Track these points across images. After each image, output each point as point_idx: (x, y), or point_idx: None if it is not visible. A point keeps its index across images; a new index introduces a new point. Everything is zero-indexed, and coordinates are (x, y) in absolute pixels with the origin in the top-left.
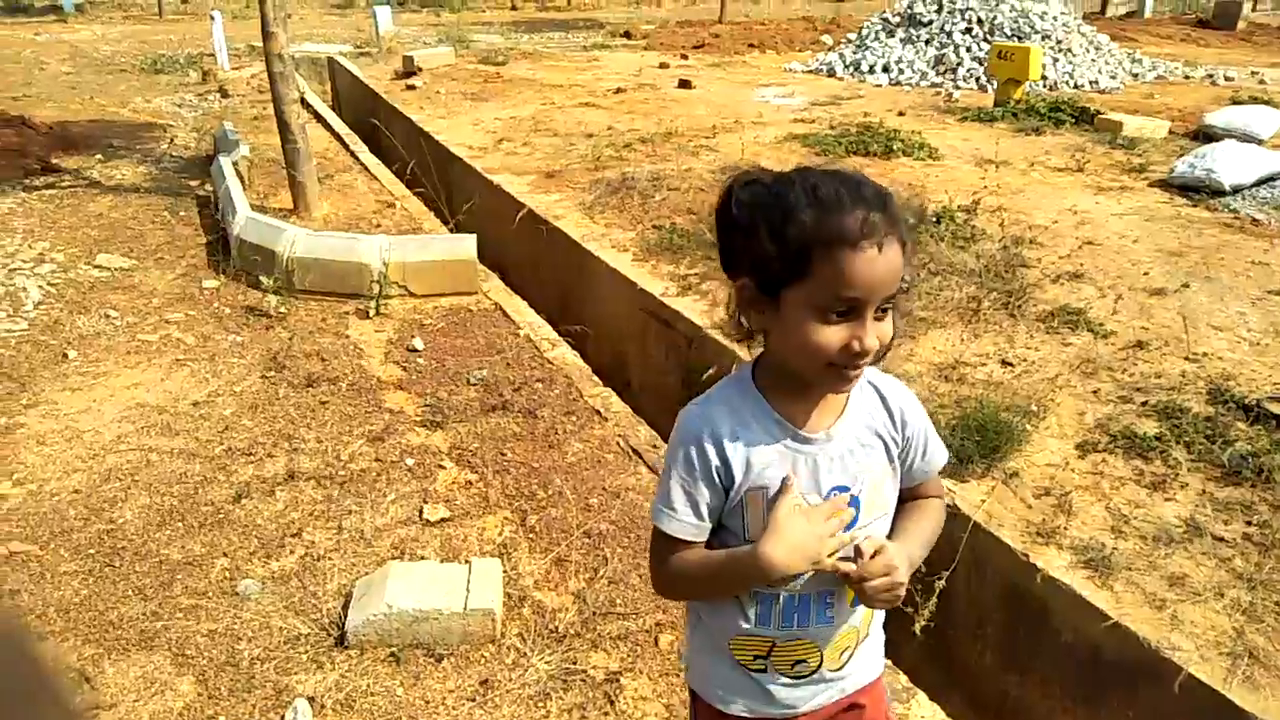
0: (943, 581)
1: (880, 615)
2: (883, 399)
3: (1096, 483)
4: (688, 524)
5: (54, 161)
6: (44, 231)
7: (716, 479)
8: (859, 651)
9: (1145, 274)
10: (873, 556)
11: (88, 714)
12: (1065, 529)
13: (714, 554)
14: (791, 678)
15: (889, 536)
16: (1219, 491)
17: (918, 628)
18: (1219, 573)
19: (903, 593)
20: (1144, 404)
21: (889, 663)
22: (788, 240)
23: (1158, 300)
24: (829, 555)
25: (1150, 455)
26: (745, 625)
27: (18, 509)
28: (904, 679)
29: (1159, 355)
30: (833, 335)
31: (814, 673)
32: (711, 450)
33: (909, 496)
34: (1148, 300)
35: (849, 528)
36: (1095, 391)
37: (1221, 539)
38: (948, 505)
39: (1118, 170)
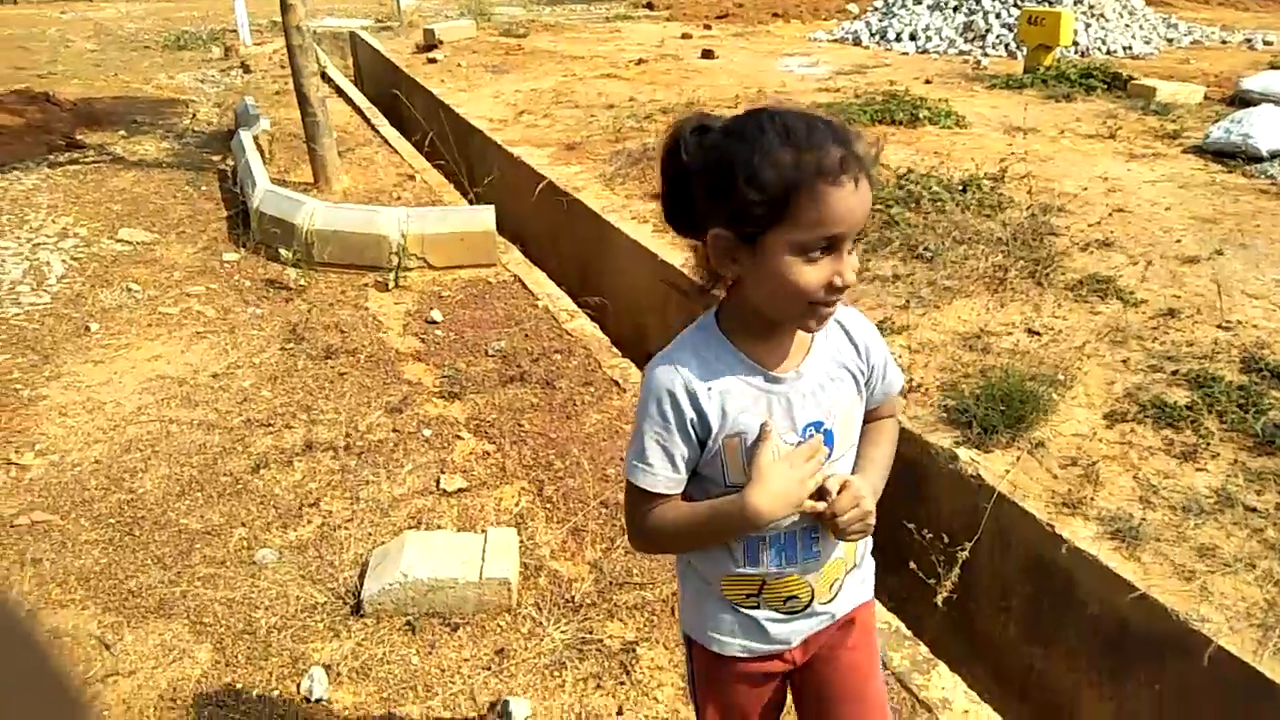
0: (965, 553)
1: (868, 543)
2: (846, 332)
3: (1125, 453)
4: (664, 477)
5: (78, 138)
6: (67, 207)
7: (692, 431)
8: (848, 581)
9: (1178, 241)
10: (840, 492)
11: (91, 691)
12: (1092, 499)
13: (697, 507)
14: (784, 613)
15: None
16: (1251, 461)
17: (940, 599)
18: (1250, 543)
19: (872, 521)
20: (1175, 373)
21: (909, 634)
22: (767, 183)
23: (1190, 268)
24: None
25: (1180, 425)
26: (734, 567)
27: (40, 479)
28: (924, 650)
29: (1191, 323)
30: (815, 273)
31: (806, 607)
32: (685, 402)
33: (868, 419)
34: (1180, 268)
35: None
36: (1124, 360)
37: (1253, 509)
38: (972, 476)
39: (1150, 137)
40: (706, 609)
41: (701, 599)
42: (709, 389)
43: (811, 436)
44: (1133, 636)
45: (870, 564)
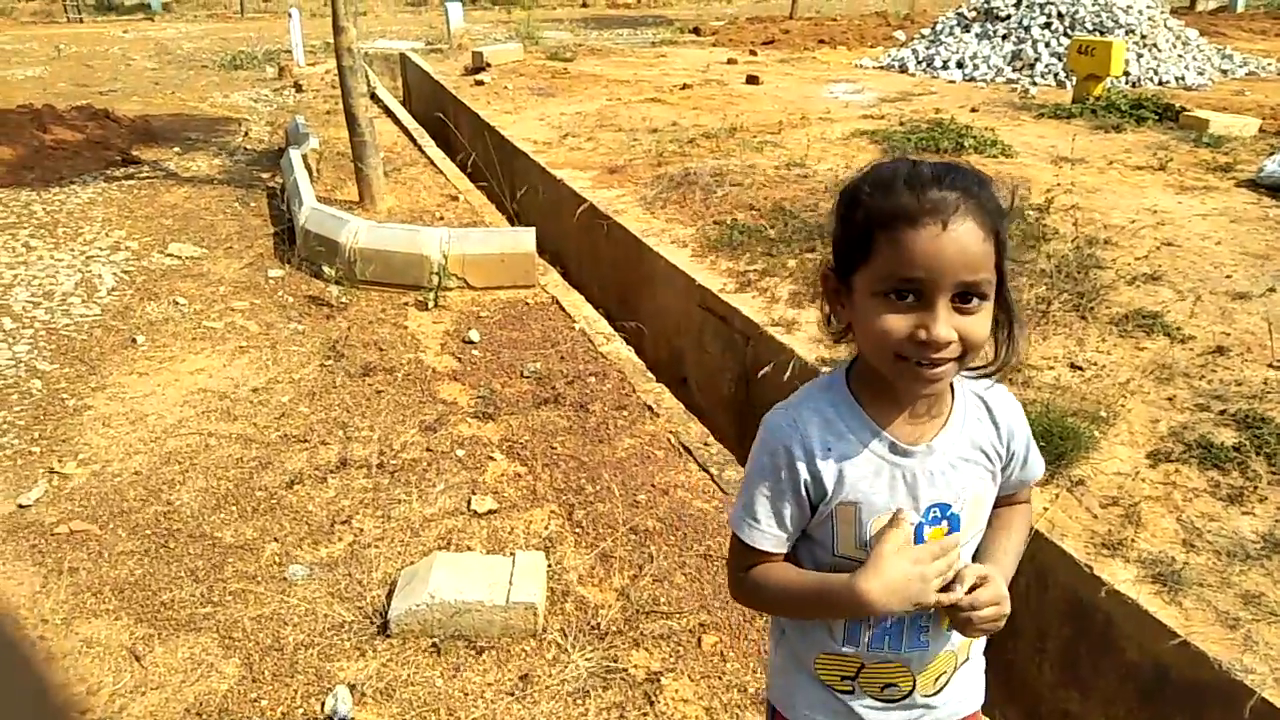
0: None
1: (981, 641)
2: (990, 412)
3: (1168, 494)
4: (770, 535)
5: (134, 153)
6: (121, 220)
7: (804, 492)
8: (956, 676)
9: (1228, 277)
10: (975, 587)
11: (119, 703)
12: (1133, 541)
13: (805, 576)
14: (881, 701)
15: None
16: None
17: None
18: None
19: (1005, 618)
20: (1222, 412)
21: None
22: (853, 220)
23: (1241, 304)
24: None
25: (1227, 466)
26: (831, 644)
27: (81, 488)
28: None
29: (1240, 362)
30: (897, 322)
31: (905, 697)
32: (801, 462)
33: (1000, 504)
34: (1230, 304)
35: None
36: (1170, 398)
37: None
38: None
39: (1202, 169)
40: (798, 686)
41: (793, 672)
42: (829, 450)
43: (935, 519)
44: (1173, 684)
45: (981, 662)
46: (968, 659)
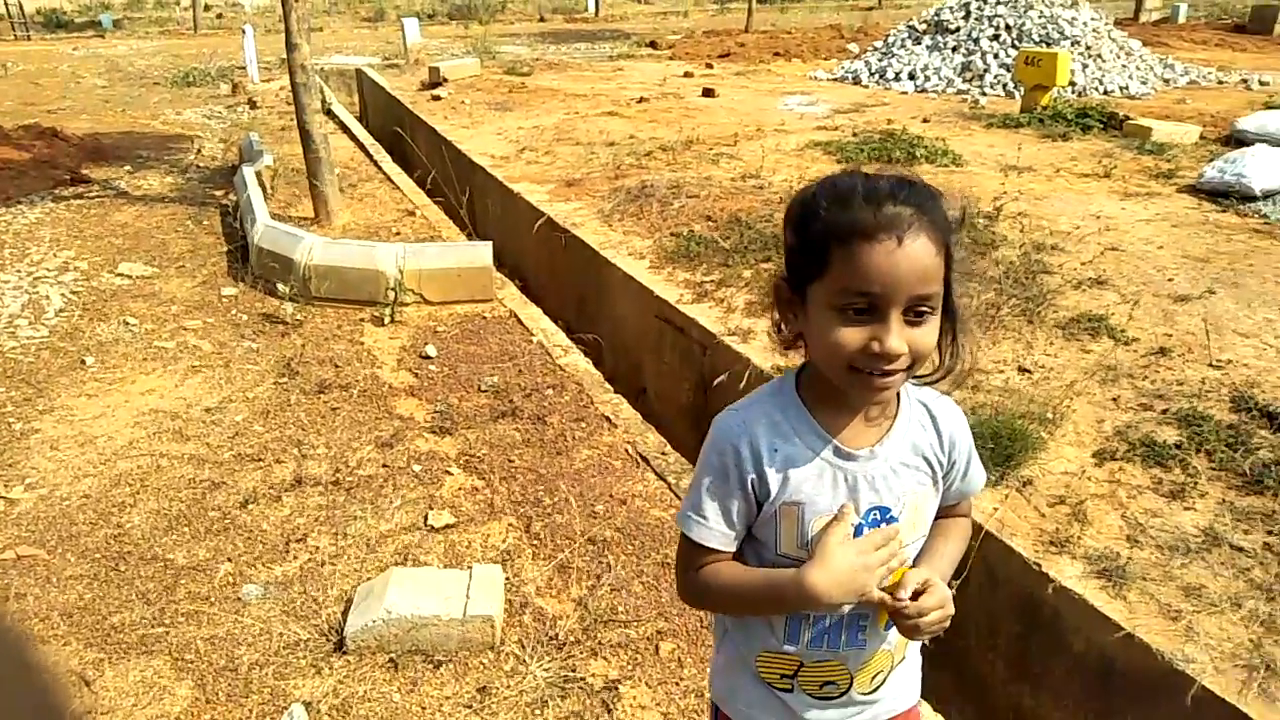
0: (953, 590)
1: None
2: (934, 419)
3: (1113, 491)
4: (718, 532)
5: (83, 172)
6: (69, 240)
7: (750, 490)
8: (893, 675)
9: (1170, 280)
10: (919, 593)
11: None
12: (1079, 538)
13: (752, 572)
14: (819, 699)
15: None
16: (1239, 500)
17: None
18: (1237, 583)
19: (948, 623)
20: (1165, 411)
21: None
22: (809, 234)
23: (1182, 307)
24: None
25: (1169, 464)
26: (773, 642)
27: (28, 513)
28: None
29: (1182, 362)
30: (852, 335)
31: (843, 695)
32: (748, 461)
33: (941, 514)
34: (1172, 306)
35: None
36: (1115, 399)
37: (1240, 549)
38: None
39: (1145, 176)
40: (739, 682)
41: (735, 672)
42: (775, 451)
43: (874, 522)
44: (1119, 675)
45: (918, 660)
46: (904, 659)
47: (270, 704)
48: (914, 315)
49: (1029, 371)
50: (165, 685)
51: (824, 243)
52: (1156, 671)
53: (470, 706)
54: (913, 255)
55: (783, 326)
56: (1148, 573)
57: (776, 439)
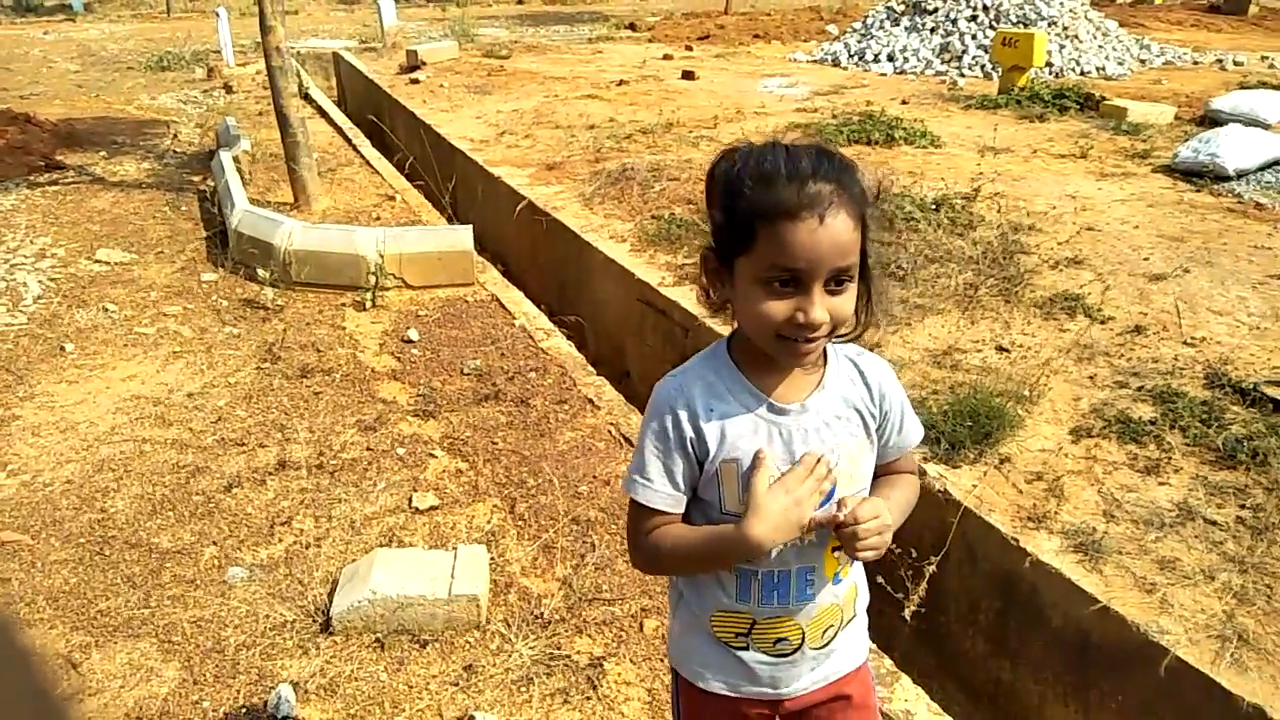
0: (933, 567)
1: (864, 597)
2: (861, 374)
3: (1089, 467)
4: (663, 494)
5: (58, 158)
6: (46, 227)
7: (690, 450)
8: (844, 632)
9: (1145, 259)
10: (861, 505)
11: (73, 701)
12: (1056, 514)
13: (696, 531)
14: (774, 656)
15: None
16: (1213, 475)
17: (908, 613)
18: (1210, 556)
19: (889, 539)
20: (1140, 389)
21: (874, 646)
22: (736, 211)
23: (1157, 285)
24: (811, 512)
25: (1144, 440)
26: (725, 601)
27: (11, 499)
28: (888, 663)
29: (1156, 340)
30: (778, 307)
31: (795, 651)
32: (686, 421)
33: (884, 472)
34: (1147, 285)
35: (825, 501)
36: (1091, 376)
37: (1214, 522)
38: (939, 491)
39: (1121, 156)
40: (695, 643)
41: (691, 633)
42: (710, 410)
43: None
44: (1096, 648)
45: (864, 619)
46: (854, 615)
47: (257, 684)
48: (834, 285)
49: (1007, 350)
50: (152, 667)
51: (749, 221)
52: (1132, 643)
53: (457, 685)
54: (833, 232)
55: (710, 293)
56: (1123, 547)
57: (712, 399)
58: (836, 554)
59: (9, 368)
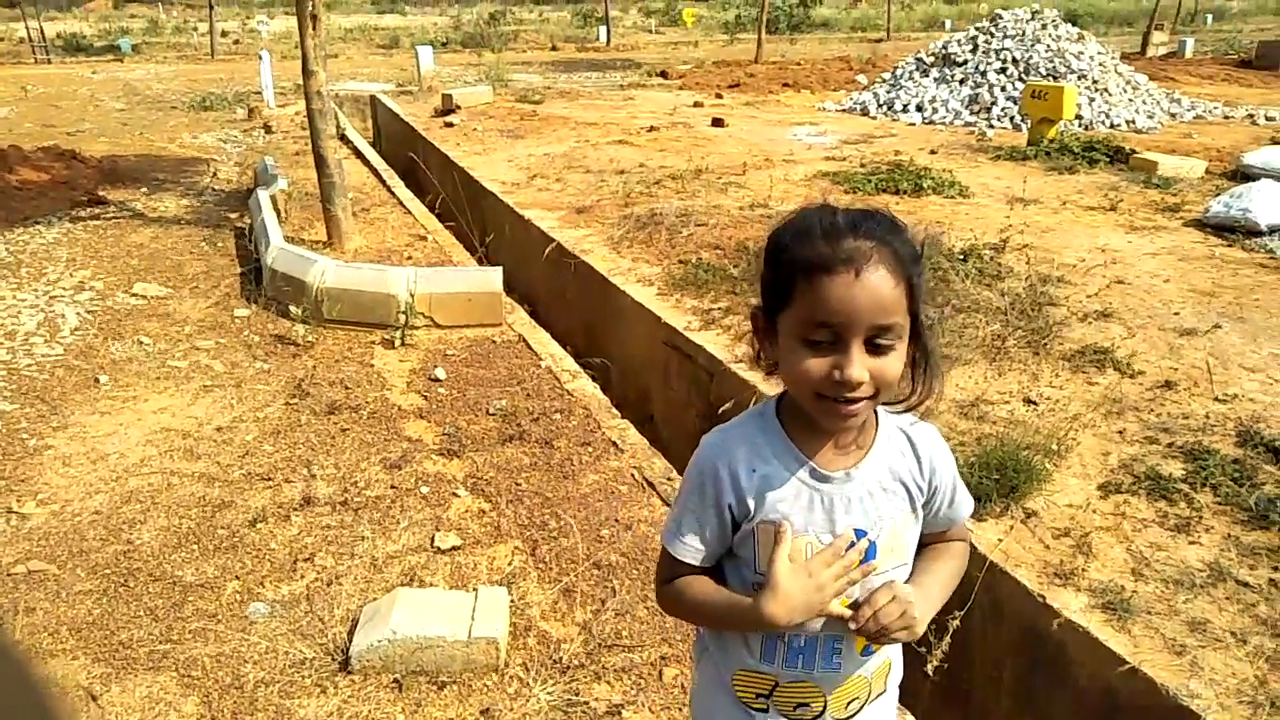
0: (957, 621)
1: (898, 673)
2: (912, 445)
3: (1118, 524)
4: (692, 548)
5: (101, 194)
6: (86, 260)
7: (727, 511)
8: (870, 705)
9: (1176, 314)
10: (878, 591)
11: None
12: (1084, 571)
13: (718, 594)
14: None
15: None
16: (1245, 535)
17: (930, 668)
18: (1242, 619)
19: (917, 626)
20: (1170, 445)
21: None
22: (777, 268)
23: (1188, 340)
24: (833, 600)
25: (1174, 497)
26: (750, 661)
27: (40, 528)
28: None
29: (1187, 396)
30: (816, 364)
31: (816, 718)
32: (726, 481)
33: (932, 540)
34: (1177, 340)
35: (864, 560)
36: (1120, 431)
37: (1246, 584)
38: None
39: (1151, 209)
40: (716, 702)
41: (713, 691)
42: (753, 472)
43: (851, 544)
44: (1123, 711)
45: (894, 694)
46: (884, 690)
47: None
48: (875, 345)
49: (1034, 403)
50: (171, 701)
51: (789, 275)
52: (1161, 707)
53: None
54: (871, 287)
55: (761, 355)
56: (1152, 606)
57: (756, 460)
58: None
59: (44, 398)
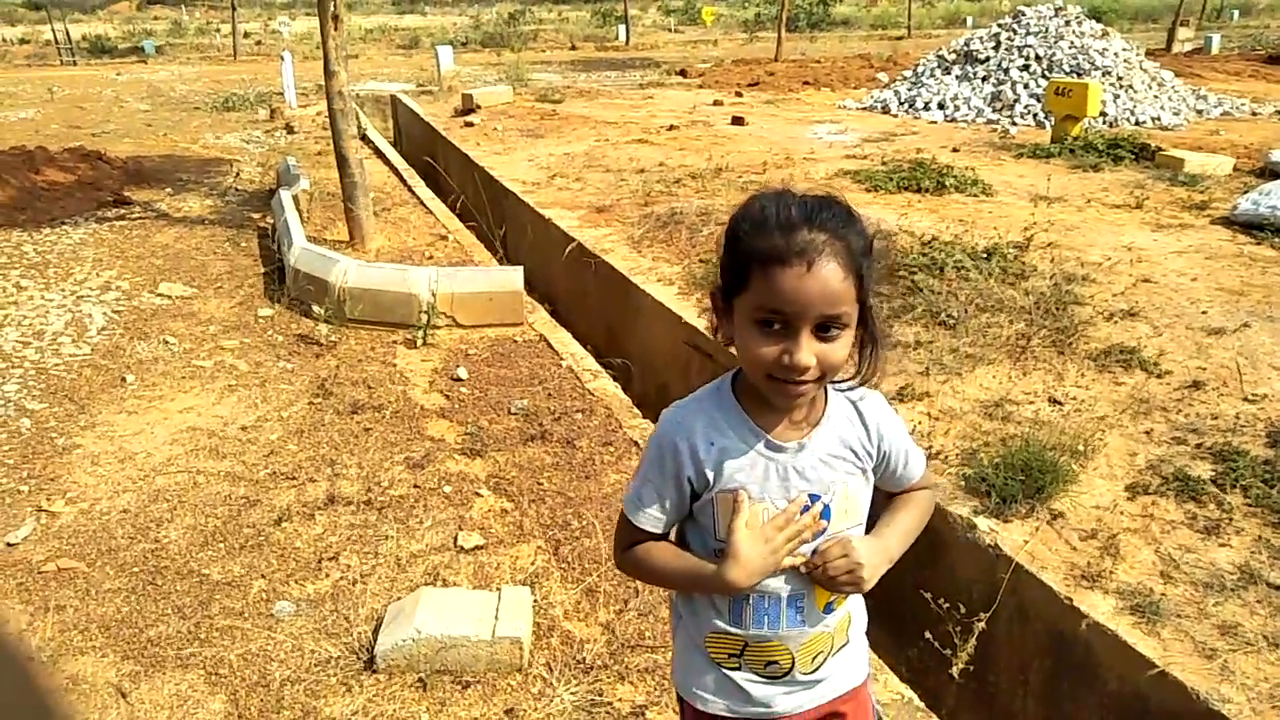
0: (982, 623)
1: (861, 622)
2: (860, 415)
3: (1146, 526)
4: (651, 516)
5: (126, 194)
6: (112, 260)
7: (686, 484)
8: (835, 657)
9: (1204, 313)
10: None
11: None
12: (1112, 573)
13: (680, 559)
14: (764, 677)
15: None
16: (1275, 537)
17: (956, 671)
18: (1274, 622)
19: (865, 575)
20: (1198, 446)
21: (921, 705)
22: (736, 253)
23: (1216, 339)
24: (787, 559)
25: (1203, 499)
26: (719, 623)
27: (69, 526)
28: None
29: (1216, 396)
30: (768, 347)
31: (786, 674)
32: (685, 455)
33: (899, 493)
34: (1205, 339)
35: (819, 536)
36: (1147, 432)
37: (1277, 587)
38: (989, 546)
39: (1178, 207)
40: (693, 666)
41: (689, 655)
42: (710, 444)
43: (806, 508)
44: (1152, 715)
45: (863, 643)
46: (846, 642)
47: None
48: (823, 332)
49: (1060, 403)
50: (199, 699)
51: (745, 263)
52: (1192, 711)
53: None
54: (821, 280)
55: (719, 331)
56: (1182, 610)
57: (714, 434)
58: None
59: (72, 397)
